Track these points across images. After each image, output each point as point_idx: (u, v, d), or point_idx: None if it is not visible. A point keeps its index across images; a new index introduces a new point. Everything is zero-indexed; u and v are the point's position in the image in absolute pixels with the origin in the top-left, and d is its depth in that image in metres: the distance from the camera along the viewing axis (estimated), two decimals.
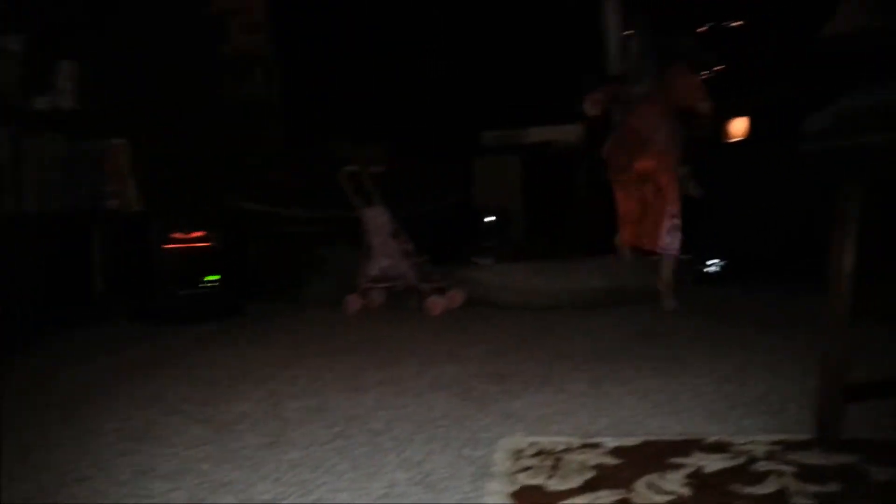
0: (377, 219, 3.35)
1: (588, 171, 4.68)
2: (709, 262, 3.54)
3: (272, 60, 4.85)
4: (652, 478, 1.20)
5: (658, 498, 1.13)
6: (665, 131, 2.98)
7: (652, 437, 1.42)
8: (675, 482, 1.18)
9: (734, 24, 6.06)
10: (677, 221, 2.98)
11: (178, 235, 3.20)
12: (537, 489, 1.19)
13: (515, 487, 1.20)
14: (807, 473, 1.17)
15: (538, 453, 1.35)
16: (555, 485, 1.20)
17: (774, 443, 1.33)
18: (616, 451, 1.34)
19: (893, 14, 3.79)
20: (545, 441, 1.42)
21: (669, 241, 2.97)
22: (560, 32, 4.95)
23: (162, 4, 3.95)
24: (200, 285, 3.21)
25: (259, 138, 4.64)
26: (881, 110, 3.33)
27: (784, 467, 1.20)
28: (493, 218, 4.13)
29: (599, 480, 1.21)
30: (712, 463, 1.25)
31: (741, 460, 1.26)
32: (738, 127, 5.07)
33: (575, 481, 1.21)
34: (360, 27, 5.04)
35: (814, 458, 1.23)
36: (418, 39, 5.03)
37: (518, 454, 1.36)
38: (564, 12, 4.88)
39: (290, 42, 5.05)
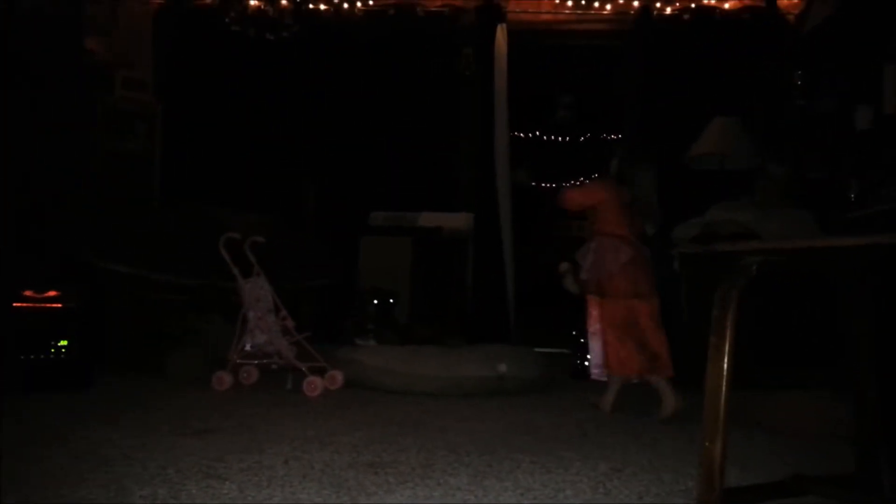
0: (256, 291, 3.19)
1: (476, 260, 4.75)
2: (588, 357, 3.61)
3: (156, 118, 4.68)
4: None
5: None
6: None
7: None
8: None
9: (613, 136, 6.56)
10: None
11: (29, 294, 2.88)
12: None
13: None
14: None
15: None
16: None
17: None
18: None
19: (734, 143, 4.23)
20: None
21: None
22: (453, 129, 5.12)
23: (42, 47, 3.73)
24: (50, 351, 2.87)
25: (134, 195, 4.38)
26: (737, 224, 3.61)
27: None
28: (378, 298, 4.04)
29: None
30: None
31: None
32: None
33: None
34: (252, 95, 4.98)
35: None
36: (313, 115, 5.02)
37: None
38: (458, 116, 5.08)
39: (177, 102, 4.89)
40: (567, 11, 5.10)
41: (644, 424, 2.58)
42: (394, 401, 2.92)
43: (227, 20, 4.82)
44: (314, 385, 2.97)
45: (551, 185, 6.92)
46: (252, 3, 4.96)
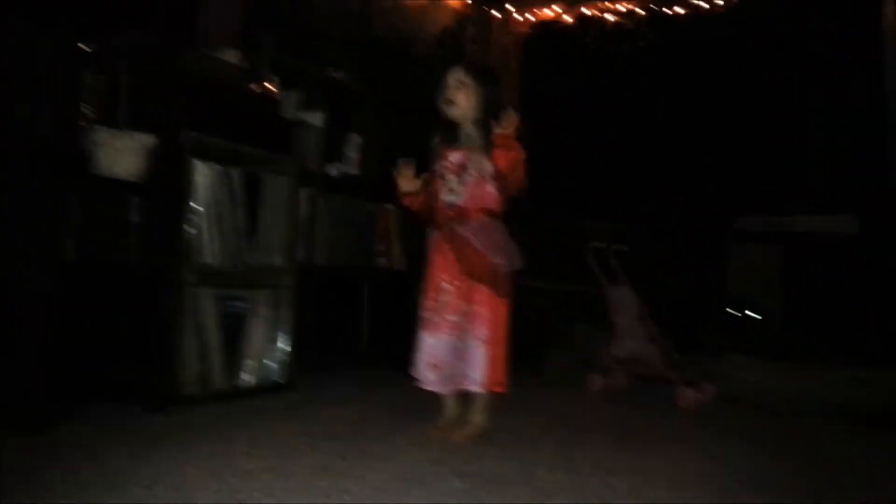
0: (624, 299, 3.30)
1: (863, 267, 4.17)
2: None
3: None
4: None
5: None
6: None
7: None
8: None
9: None
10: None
11: None
12: None
13: None
14: None
15: None
16: None
17: None
18: None
19: None
20: None
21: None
22: (830, 125, 4.57)
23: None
24: None
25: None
26: None
27: None
28: (747, 310, 3.84)
29: None
30: None
31: None
32: None
33: None
34: (604, 106, 5.09)
35: None
36: (665, 122, 4.95)
37: None
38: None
39: (538, 119, 5.24)
40: None
41: None
42: (774, 422, 2.76)
43: (587, 39, 5.06)
44: (687, 397, 2.95)
45: None
46: (609, 18, 5.12)
